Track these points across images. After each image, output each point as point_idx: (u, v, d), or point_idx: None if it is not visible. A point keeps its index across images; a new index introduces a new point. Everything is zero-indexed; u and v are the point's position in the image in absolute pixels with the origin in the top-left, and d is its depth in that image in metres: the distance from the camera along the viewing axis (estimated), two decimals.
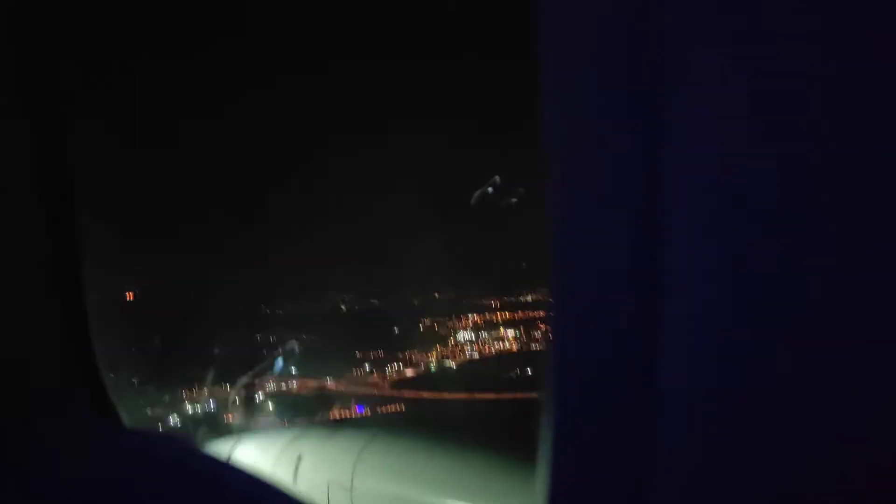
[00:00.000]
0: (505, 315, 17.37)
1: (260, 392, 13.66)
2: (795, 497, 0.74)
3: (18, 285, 1.15)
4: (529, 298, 16.56)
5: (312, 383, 15.87)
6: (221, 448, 3.58)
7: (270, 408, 13.43)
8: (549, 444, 0.82)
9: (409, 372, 17.29)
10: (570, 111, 0.78)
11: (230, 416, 11.78)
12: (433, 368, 17.33)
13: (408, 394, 16.25)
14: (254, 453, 3.39)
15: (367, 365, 16.89)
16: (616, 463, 0.78)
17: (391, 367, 17.10)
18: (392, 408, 15.81)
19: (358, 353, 16.76)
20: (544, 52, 0.80)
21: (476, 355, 17.30)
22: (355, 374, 16.73)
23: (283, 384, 14.92)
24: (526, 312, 16.81)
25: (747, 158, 0.73)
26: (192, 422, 11.41)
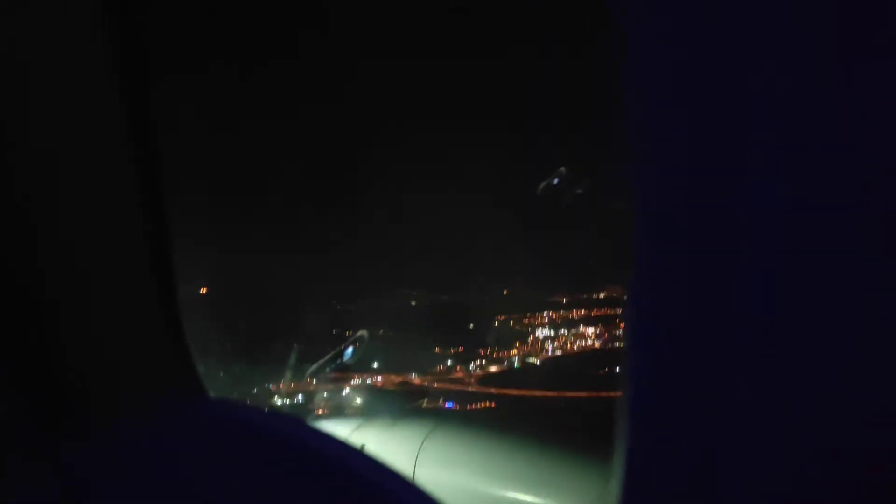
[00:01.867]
0: (581, 312, 16.98)
1: (346, 388, 13.95)
2: None
3: (117, 269, 1.19)
4: (601, 295, 16.13)
5: (397, 378, 16.05)
6: None
7: (357, 402, 13.69)
8: (624, 443, 0.76)
9: (493, 368, 17.22)
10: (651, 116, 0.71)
11: (316, 409, 12.07)
12: (517, 365, 17.20)
13: (494, 390, 16.17)
14: None
15: (448, 361, 16.92)
16: (691, 470, 0.73)
17: (474, 364, 17.08)
18: (479, 404, 15.79)
19: (437, 349, 16.81)
20: (624, 39, 0.74)
21: (559, 352, 17.05)
22: (438, 369, 16.80)
23: (368, 379, 15.18)
24: (603, 310, 16.40)
25: (831, 162, 0.64)
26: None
